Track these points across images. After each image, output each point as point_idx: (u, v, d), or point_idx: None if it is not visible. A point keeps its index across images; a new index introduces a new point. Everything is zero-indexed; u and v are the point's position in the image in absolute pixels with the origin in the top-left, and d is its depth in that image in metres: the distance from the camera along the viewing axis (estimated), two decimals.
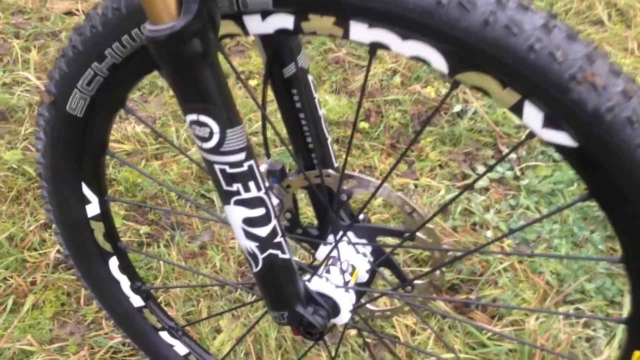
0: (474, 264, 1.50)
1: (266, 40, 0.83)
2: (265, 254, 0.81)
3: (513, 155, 1.78)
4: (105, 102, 0.87)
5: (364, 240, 0.98)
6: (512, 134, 1.83)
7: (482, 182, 1.70)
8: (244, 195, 0.76)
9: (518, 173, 1.74)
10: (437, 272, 0.97)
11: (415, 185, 1.68)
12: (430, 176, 1.72)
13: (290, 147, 0.93)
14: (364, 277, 0.98)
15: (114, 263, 1.11)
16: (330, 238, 0.99)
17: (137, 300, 1.16)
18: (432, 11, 0.62)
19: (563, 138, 0.65)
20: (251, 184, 0.76)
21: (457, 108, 1.90)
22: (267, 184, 0.97)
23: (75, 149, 0.93)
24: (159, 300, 1.44)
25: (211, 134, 0.71)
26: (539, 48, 0.60)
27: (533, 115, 0.65)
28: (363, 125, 1.85)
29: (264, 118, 0.91)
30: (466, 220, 1.61)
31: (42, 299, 1.44)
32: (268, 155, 0.99)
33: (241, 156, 0.73)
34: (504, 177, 1.73)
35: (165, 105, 1.91)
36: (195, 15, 0.63)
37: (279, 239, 0.81)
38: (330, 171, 0.92)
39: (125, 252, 1.12)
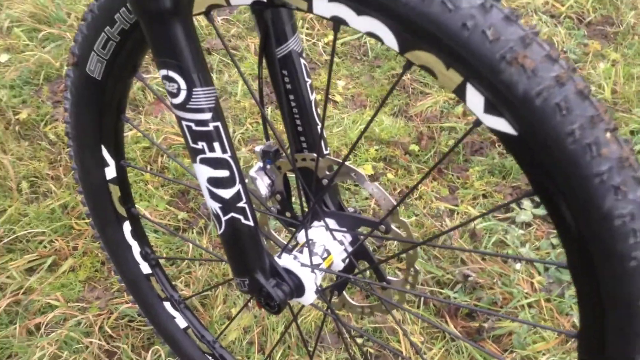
0: (495, 294, 1.45)
1: (259, 18, 0.88)
2: (227, 217, 0.85)
3: None
4: (120, 67, 0.96)
5: (344, 229, 0.99)
6: None
7: (525, 217, 1.64)
8: (209, 155, 0.81)
9: None
10: (412, 270, 0.96)
11: (452, 211, 1.66)
12: (471, 204, 1.69)
13: (275, 128, 0.97)
14: (339, 265, 0.99)
15: (127, 228, 1.18)
16: (314, 223, 1.01)
17: (145, 267, 1.23)
18: None
19: (503, 125, 0.64)
20: (216, 145, 0.80)
21: None
22: (261, 163, 1.03)
23: (96, 111, 1.02)
24: (180, 280, 1.52)
25: (178, 90, 0.77)
26: (472, 26, 0.61)
27: (475, 99, 0.65)
28: (413, 147, 1.85)
29: (260, 98, 0.96)
30: (498, 251, 1.56)
31: (79, 263, 1.57)
32: (267, 137, 1.04)
33: (207, 116, 0.78)
34: None
35: (230, 109, 2.02)
36: None
37: (242, 204, 0.85)
38: (311, 154, 0.95)
39: (138, 219, 1.20)
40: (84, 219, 1.65)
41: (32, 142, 1.92)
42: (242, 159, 1.82)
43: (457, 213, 1.66)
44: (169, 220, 1.66)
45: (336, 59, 2.25)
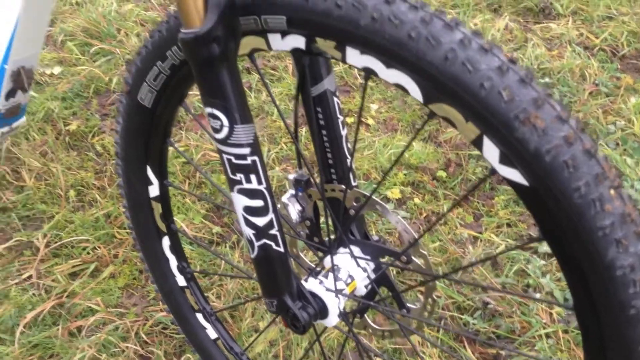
0: (514, 323, 1.49)
1: (297, 60, 0.96)
2: (260, 243, 0.92)
3: None
4: (168, 97, 1.04)
5: (368, 257, 1.06)
6: None
7: (547, 248, 1.68)
8: (245, 186, 0.88)
9: None
10: (430, 299, 1.02)
11: (475, 238, 1.70)
12: (495, 232, 1.73)
13: (308, 161, 1.04)
14: (361, 290, 1.05)
15: (166, 242, 1.26)
16: (340, 250, 1.08)
17: (181, 280, 1.31)
18: (404, 43, 0.70)
19: (516, 176, 0.71)
20: (252, 177, 0.88)
21: None
22: (293, 191, 1.11)
23: (144, 135, 1.10)
24: (212, 292, 1.60)
25: (221, 126, 0.84)
26: (489, 86, 0.67)
27: (491, 151, 0.71)
28: (441, 173, 1.91)
29: (295, 133, 1.03)
30: (519, 280, 1.60)
31: (119, 270, 1.66)
32: (300, 166, 1.11)
33: (246, 150, 0.86)
34: None
35: (266, 127, 2.11)
36: (214, 25, 0.78)
37: (275, 232, 0.92)
38: (341, 185, 1.02)
39: (177, 234, 1.28)
40: (125, 228, 1.75)
41: (80, 152, 2.04)
42: (275, 178, 1.90)
43: (481, 240, 1.70)
44: (204, 234, 1.75)
45: (370, 83, 2.32)
